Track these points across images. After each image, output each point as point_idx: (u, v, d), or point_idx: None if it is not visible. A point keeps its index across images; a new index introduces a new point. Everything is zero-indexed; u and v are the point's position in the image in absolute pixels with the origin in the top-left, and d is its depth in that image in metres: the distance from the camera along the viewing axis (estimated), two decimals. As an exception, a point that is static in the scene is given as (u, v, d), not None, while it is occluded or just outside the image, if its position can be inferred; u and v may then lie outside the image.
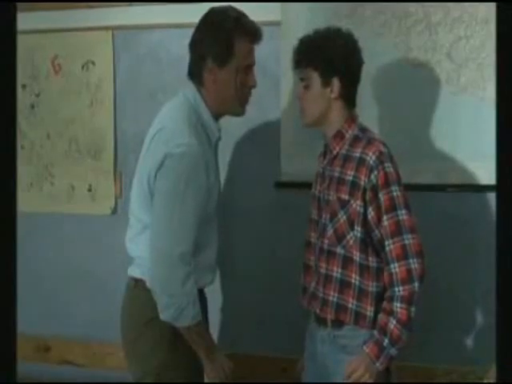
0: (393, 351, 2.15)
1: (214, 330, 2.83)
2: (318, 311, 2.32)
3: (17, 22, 1.60)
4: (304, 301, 2.43)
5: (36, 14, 3.19)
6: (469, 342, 2.92)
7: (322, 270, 2.29)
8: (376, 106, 2.83)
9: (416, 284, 2.11)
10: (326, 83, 2.22)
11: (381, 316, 2.16)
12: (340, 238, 2.22)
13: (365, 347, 2.17)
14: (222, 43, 2.21)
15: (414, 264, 2.12)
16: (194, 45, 2.28)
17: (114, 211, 3.28)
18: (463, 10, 2.76)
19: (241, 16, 2.27)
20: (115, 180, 3.27)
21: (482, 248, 2.81)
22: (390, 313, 2.13)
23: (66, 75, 3.29)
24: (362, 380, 2.17)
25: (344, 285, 2.23)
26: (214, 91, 2.27)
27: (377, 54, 2.76)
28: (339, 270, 2.24)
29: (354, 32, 2.27)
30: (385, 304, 2.16)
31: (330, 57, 2.19)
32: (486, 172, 2.75)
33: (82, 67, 3.26)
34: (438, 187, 2.83)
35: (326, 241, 2.27)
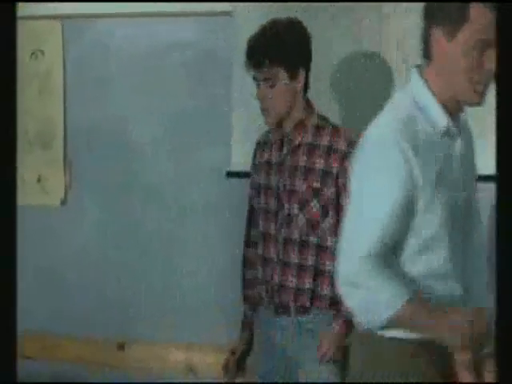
0: None
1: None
2: (277, 301, 2.30)
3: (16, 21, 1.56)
4: (255, 293, 2.42)
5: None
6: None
7: (292, 260, 2.26)
8: (328, 96, 2.83)
9: None
10: (293, 76, 2.21)
11: None
12: (314, 226, 2.22)
13: (334, 324, 2.21)
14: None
15: None
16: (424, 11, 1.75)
17: (64, 202, 3.24)
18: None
19: None
20: (65, 170, 3.22)
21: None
22: None
23: (15, 64, 3.23)
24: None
25: (319, 272, 2.23)
26: (440, 69, 1.73)
27: (329, 44, 2.76)
28: (313, 258, 2.23)
29: (306, 22, 2.26)
30: None
31: (292, 48, 2.19)
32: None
33: (31, 56, 3.21)
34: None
35: (296, 230, 2.25)
